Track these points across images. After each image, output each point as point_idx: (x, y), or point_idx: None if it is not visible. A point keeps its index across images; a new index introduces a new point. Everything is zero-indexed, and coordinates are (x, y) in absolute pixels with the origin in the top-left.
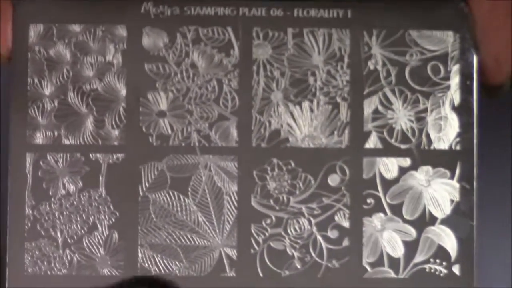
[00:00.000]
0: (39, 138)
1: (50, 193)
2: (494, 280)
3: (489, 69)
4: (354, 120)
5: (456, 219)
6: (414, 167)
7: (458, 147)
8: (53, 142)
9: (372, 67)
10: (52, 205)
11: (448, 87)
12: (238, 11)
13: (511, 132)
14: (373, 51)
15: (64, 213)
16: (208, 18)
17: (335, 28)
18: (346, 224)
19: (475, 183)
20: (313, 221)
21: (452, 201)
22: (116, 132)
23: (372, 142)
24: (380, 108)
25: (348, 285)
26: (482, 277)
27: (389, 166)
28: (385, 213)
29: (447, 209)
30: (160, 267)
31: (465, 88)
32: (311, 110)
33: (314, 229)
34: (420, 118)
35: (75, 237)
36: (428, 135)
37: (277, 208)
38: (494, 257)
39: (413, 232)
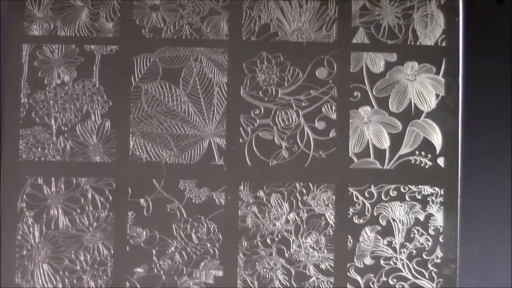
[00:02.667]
0: (35, 30)
1: (45, 82)
2: (494, 280)
3: None
4: (342, 16)
5: (441, 113)
6: (401, 62)
7: (443, 44)
8: (49, 33)
9: None
10: (47, 94)
11: None
12: None
13: (496, 30)
14: None
15: (59, 101)
16: None
17: None
18: (333, 116)
19: (460, 79)
20: (300, 112)
21: (437, 95)
22: (110, 25)
23: (360, 38)
24: (367, 4)
25: (334, 175)
26: (483, 276)
27: (376, 61)
28: (372, 106)
29: (433, 103)
30: (151, 154)
31: None
32: (300, 5)
33: (302, 120)
34: (407, 15)
35: (69, 125)
36: (414, 32)
37: (266, 99)
38: (494, 256)
39: (398, 124)
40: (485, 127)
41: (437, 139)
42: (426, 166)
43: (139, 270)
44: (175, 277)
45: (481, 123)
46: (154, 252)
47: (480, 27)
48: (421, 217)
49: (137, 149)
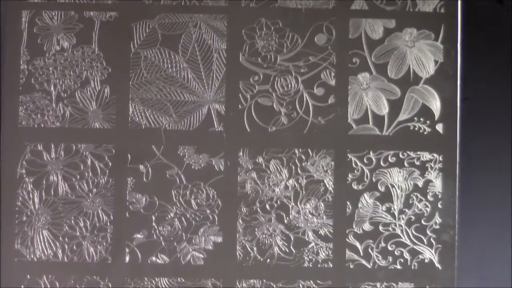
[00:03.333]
0: None
1: (45, 49)
2: (494, 280)
3: None
4: None
5: (440, 80)
6: (399, 28)
7: (442, 10)
8: (48, 0)
9: None
10: (46, 60)
11: None
12: None
13: (496, 30)
14: None
15: (58, 68)
16: None
17: None
18: (332, 82)
19: (458, 46)
20: (299, 78)
21: (436, 62)
22: None
23: (358, 4)
24: None
25: (333, 141)
26: (482, 277)
27: (374, 27)
28: (370, 72)
29: (431, 70)
30: (150, 120)
31: None
32: None
33: (301, 86)
34: None
35: (68, 91)
36: None
37: (265, 65)
38: (494, 254)
39: (397, 91)
40: (484, 93)
41: (435, 106)
42: (425, 133)
43: (138, 236)
44: (175, 243)
45: (479, 90)
46: (153, 218)
47: (480, 27)
48: (420, 183)
49: (136, 116)
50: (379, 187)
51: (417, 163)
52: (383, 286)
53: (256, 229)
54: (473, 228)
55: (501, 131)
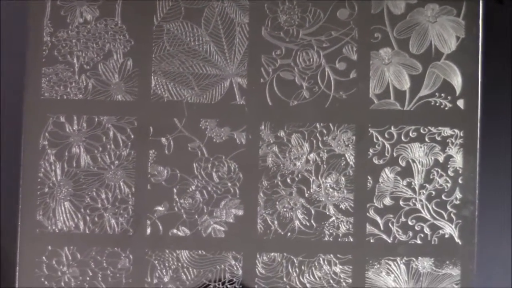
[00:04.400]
0: None
1: (68, 21)
2: (494, 280)
3: None
4: None
5: (462, 55)
6: (422, 4)
7: None
8: None
9: None
10: (69, 32)
11: None
12: None
13: (496, 30)
14: None
15: (81, 40)
16: None
17: None
18: (354, 57)
19: (480, 22)
20: (321, 53)
21: (457, 37)
22: None
23: None
24: None
25: (354, 116)
26: (483, 275)
27: (396, 3)
28: (392, 47)
29: (453, 45)
30: (172, 93)
31: None
32: None
33: (323, 61)
34: None
35: (91, 64)
36: None
37: (287, 40)
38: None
39: (419, 66)
40: (506, 69)
41: (457, 81)
42: (446, 108)
43: (160, 208)
44: (196, 216)
45: (501, 66)
46: (175, 190)
47: (492, 118)
48: (441, 159)
49: (158, 88)
50: (400, 162)
51: (438, 138)
52: (403, 260)
53: (277, 203)
54: (493, 204)
55: None
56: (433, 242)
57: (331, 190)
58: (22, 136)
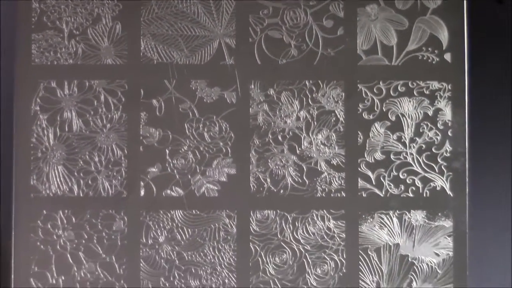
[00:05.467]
0: None
1: None
2: (494, 279)
3: None
4: None
5: (447, 9)
6: None
7: None
8: None
9: None
10: None
11: None
12: None
13: (496, 30)
14: None
15: (70, 5)
16: None
17: None
18: (340, 14)
19: None
20: (308, 11)
21: None
22: None
23: None
24: None
25: (343, 72)
26: (482, 276)
27: None
28: (378, 3)
29: (438, 0)
30: (162, 55)
31: None
32: None
33: (310, 19)
34: None
35: (80, 29)
36: None
37: None
38: (494, 254)
39: (405, 21)
40: (492, 21)
41: (443, 35)
42: (433, 62)
43: (153, 169)
44: (189, 176)
45: (487, 18)
46: (167, 151)
47: (480, 27)
48: (430, 112)
49: (148, 51)
50: (390, 117)
51: (427, 92)
52: (396, 214)
53: (269, 160)
54: (484, 155)
55: (509, 59)
56: (425, 195)
57: (322, 146)
58: (14, 103)
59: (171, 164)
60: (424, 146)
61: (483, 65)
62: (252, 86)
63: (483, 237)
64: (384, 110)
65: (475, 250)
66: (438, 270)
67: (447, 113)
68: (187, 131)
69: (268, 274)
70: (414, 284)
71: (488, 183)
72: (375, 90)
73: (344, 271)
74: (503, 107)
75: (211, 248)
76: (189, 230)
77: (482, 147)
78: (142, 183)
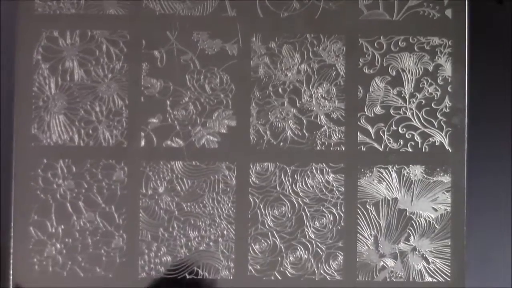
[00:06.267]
0: None
1: None
2: (494, 279)
3: None
4: None
5: None
6: None
7: None
8: None
9: None
10: None
11: None
12: None
13: (496, 30)
14: None
15: None
16: None
17: None
18: None
19: None
20: None
21: None
22: None
23: None
24: None
25: (344, 27)
26: (482, 276)
27: None
28: None
29: None
30: (164, 7)
31: None
32: None
33: None
34: None
35: None
36: None
37: None
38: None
39: None
40: None
41: None
42: (434, 18)
43: (153, 120)
44: (189, 127)
45: None
46: (168, 102)
47: (480, 27)
48: (430, 68)
49: (150, 2)
50: (390, 71)
51: (427, 47)
52: (395, 168)
53: (269, 113)
54: (483, 112)
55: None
56: (423, 150)
57: (322, 99)
58: (15, 51)
59: (172, 115)
60: (423, 101)
61: (483, 24)
62: (254, 39)
63: (480, 194)
64: (385, 65)
65: (473, 205)
66: (435, 225)
67: (447, 69)
68: (188, 83)
69: (267, 226)
70: (411, 238)
71: (487, 139)
72: (376, 44)
73: (342, 224)
74: (502, 65)
75: (210, 200)
76: (189, 181)
77: (482, 103)
78: (142, 134)
